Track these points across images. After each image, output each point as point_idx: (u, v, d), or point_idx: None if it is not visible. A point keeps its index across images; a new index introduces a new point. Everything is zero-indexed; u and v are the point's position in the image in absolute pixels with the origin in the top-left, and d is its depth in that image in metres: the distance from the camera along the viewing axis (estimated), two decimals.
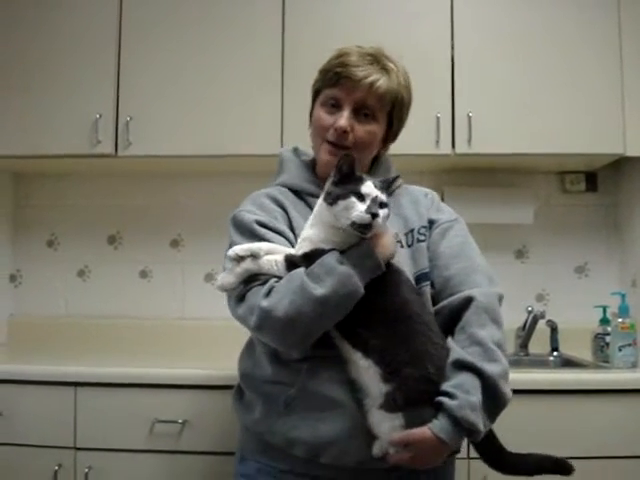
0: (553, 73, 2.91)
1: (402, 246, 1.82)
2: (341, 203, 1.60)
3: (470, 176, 3.24)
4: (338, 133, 1.81)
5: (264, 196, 1.88)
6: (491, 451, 1.66)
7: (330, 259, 1.61)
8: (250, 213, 1.80)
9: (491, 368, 1.61)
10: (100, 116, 2.95)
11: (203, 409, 2.42)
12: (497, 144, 2.90)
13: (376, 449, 1.62)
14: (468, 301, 1.71)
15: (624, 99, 2.89)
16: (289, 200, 1.87)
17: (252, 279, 1.67)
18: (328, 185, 1.68)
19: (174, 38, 3.01)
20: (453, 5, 2.95)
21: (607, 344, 2.72)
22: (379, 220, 1.60)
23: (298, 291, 1.59)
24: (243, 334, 3.20)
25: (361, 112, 1.83)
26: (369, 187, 1.61)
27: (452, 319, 1.73)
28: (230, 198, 3.36)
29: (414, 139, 2.83)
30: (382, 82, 1.81)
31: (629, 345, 2.56)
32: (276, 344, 1.68)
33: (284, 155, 2.02)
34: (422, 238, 1.86)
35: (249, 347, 1.91)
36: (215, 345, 3.15)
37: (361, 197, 1.60)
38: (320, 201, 1.70)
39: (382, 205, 1.62)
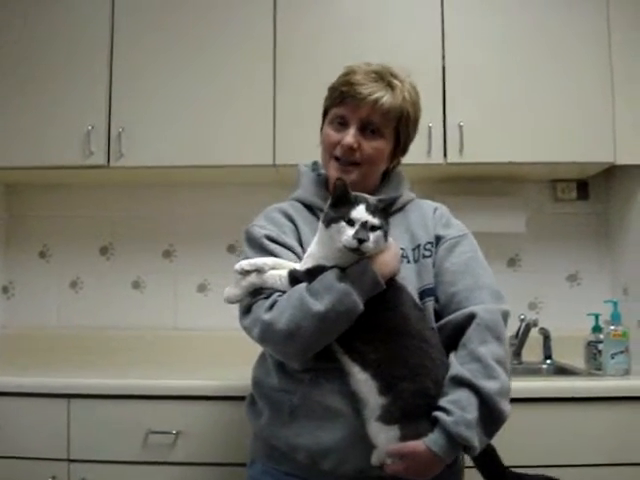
0: (544, 82, 2.93)
1: (408, 262, 1.84)
2: (334, 226, 1.66)
3: (462, 185, 3.25)
4: (345, 150, 1.85)
5: (276, 210, 1.93)
6: (492, 469, 1.72)
7: (330, 276, 1.66)
8: (260, 228, 1.86)
9: (489, 385, 1.62)
10: (92, 127, 2.95)
11: (197, 420, 2.41)
12: (489, 153, 2.92)
13: (374, 458, 1.66)
14: (470, 318, 1.73)
15: (615, 108, 2.91)
16: (300, 215, 1.91)
17: (258, 292, 1.73)
18: (325, 207, 1.72)
19: (166, 50, 3.01)
20: (444, 15, 2.96)
21: (599, 352, 2.73)
22: (368, 244, 1.63)
23: (298, 305, 1.64)
24: (236, 344, 3.20)
25: (367, 129, 1.86)
26: (360, 212, 1.64)
27: (455, 335, 1.75)
28: (222, 208, 3.41)
29: None
30: (386, 99, 1.84)
31: (621, 353, 2.56)
32: (278, 355, 1.75)
33: (301, 169, 2.06)
34: (427, 254, 1.87)
35: (262, 356, 1.96)
36: (208, 356, 3.15)
37: (351, 222, 1.64)
38: (320, 223, 1.74)
39: (373, 228, 1.64)
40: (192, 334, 3.32)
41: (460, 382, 1.63)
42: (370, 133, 1.86)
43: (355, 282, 1.64)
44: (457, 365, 1.67)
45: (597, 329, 2.81)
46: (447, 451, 1.58)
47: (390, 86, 1.86)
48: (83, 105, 2.99)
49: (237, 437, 2.39)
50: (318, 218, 1.86)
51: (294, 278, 1.71)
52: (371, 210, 1.65)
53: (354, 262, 1.68)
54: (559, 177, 3.32)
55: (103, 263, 3.45)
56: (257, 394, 1.90)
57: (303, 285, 1.68)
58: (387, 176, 2.01)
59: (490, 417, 1.62)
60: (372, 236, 1.64)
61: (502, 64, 2.95)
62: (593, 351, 2.78)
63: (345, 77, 1.88)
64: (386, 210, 1.70)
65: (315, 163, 2.06)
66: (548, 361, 3.03)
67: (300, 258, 1.79)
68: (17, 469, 2.43)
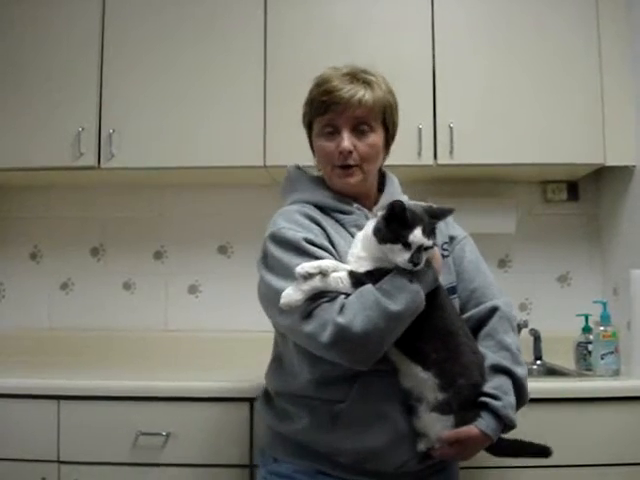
0: (534, 84, 2.93)
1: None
2: (389, 245, 1.66)
3: (452, 186, 3.26)
4: (344, 155, 1.86)
5: (297, 213, 1.89)
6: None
7: (400, 276, 1.67)
8: (293, 231, 1.80)
9: (519, 370, 1.81)
10: (83, 129, 2.95)
11: (187, 421, 2.41)
12: (479, 154, 2.92)
13: (422, 445, 1.76)
14: (493, 310, 1.90)
15: (604, 109, 2.92)
16: (321, 217, 1.90)
17: (317, 296, 1.69)
18: (378, 219, 1.71)
19: (156, 51, 3.02)
20: (434, 16, 2.96)
21: (589, 352, 2.73)
22: (421, 265, 1.67)
23: (374, 306, 1.64)
24: (226, 346, 3.21)
25: (358, 129, 1.88)
26: (417, 236, 1.64)
27: (477, 327, 1.90)
28: (213, 210, 3.41)
29: (396, 150, 2.82)
30: (368, 95, 1.87)
31: (611, 353, 2.57)
32: (346, 360, 1.69)
33: (294, 172, 2.05)
34: (446, 254, 1.95)
35: (276, 364, 1.96)
36: (199, 357, 3.16)
37: (407, 245, 1.64)
38: (369, 230, 1.73)
39: (426, 248, 1.67)
40: (183, 335, 3.31)
41: (498, 369, 1.79)
42: (362, 132, 1.88)
43: (421, 280, 1.69)
44: (492, 354, 1.81)
45: (587, 330, 2.82)
46: (496, 432, 1.74)
47: (367, 83, 1.89)
48: (73, 106, 2.99)
49: (227, 438, 2.39)
50: (333, 218, 1.90)
51: (357, 280, 1.70)
52: (427, 233, 1.66)
53: None
54: (549, 178, 3.33)
55: (94, 264, 3.44)
56: (281, 400, 1.90)
57: (370, 286, 1.67)
58: (386, 178, 2.06)
59: (520, 398, 1.80)
60: (424, 255, 1.67)
61: (492, 66, 2.95)
62: (583, 352, 2.79)
63: (321, 87, 1.89)
64: (435, 228, 1.72)
65: (299, 167, 2.05)
66: (538, 362, 3.03)
67: (336, 259, 1.78)
68: (7, 471, 2.42)
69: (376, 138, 1.91)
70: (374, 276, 1.69)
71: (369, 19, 2.99)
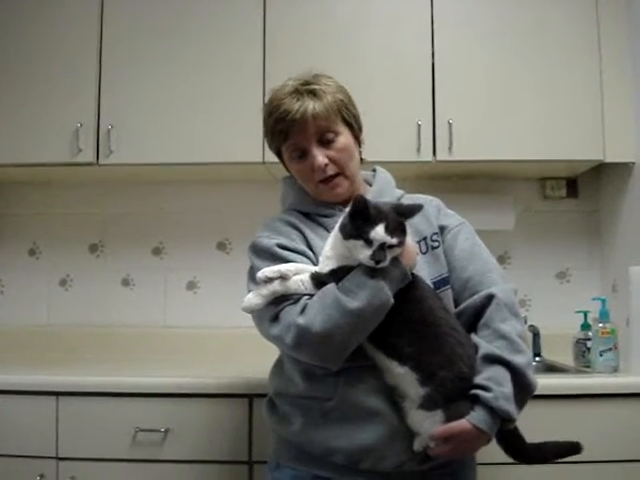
0: (534, 80, 2.93)
1: (417, 254, 1.86)
2: (351, 241, 1.66)
3: (451, 183, 3.26)
4: (321, 170, 1.85)
5: (277, 220, 1.93)
6: (513, 442, 1.77)
7: (360, 273, 1.67)
8: (268, 238, 1.85)
9: (518, 359, 1.71)
10: (81, 124, 2.94)
11: (185, 417, 2.41)
12: (478, 151, 2.92)
13: (417, 445, 1.71)
14: (489, 299, 1.81)
15: (604, 106, 2.92)
16: (302, 222, 1.91)
17: (282, 299, 1.72)
18: (344, 215, 1.72)
19: (155, 47, 3.01)
20: (433, 12, 2.96)
21: (588, 349, 2.74)
22: (384, 263, 1.65)
23: (333, 305, 1.65)
24: (225, 342, 3.21)
25: (324, 139, 1.87)
26: (378, 233, 1.63)
27: (474, 318, 1.83)
28: (212, 206, 3.41)
29: (395, 146, 2.86)
30: (318, 105, 1.84)
31: (610, 350, 2.57)
32: (314, 360, 1.72)
33: (285, 181, 2.06)
34: (436, 245, 1.92)
35: (278, 366, 1.96)
36: (198, 353, 3.16)
37: (369, 241, 1.63)
38: (337, 227, 1.74)
39: (391, 246, 1.65)
40: (181, 331, 3.32)
41: (492, 359, 1.71)
42: (329, 140, 1.87)
43: (386, 276, 1.67)
44: (485, 344, 1.74)
45: (586, 326, 2.83)
46: (491, 426, 1.66)
47: (312, 93, 1.86)
48: (72, 102, 2.99)
49: (226, 435, 2.39)
50: (318, 223, 1.91)
51: (318, 281, 1.71)
52: (390, 230, 1.65)
53: None
54: (548, 175, 3.33)
55: (93, 260, 3.44)
56: (281, 403, 1.89)
57: (332, 285, 1.68)
58: (375, 174, 2.04)
59: (522, 389, 1.71)
60: (389, 254, 1.65)
61: (491, 62, 2.95)
62: (582, 348, 2.79)
63: (273, 116, 1.88)
64: (404, 224, 1.70)
65: (290, 176, 2.05)
66: (537, 358, 3.03)
67: (313, 262, 1.80)
68: (5, 467, 2.42)
69: (344, 139, 1.89)
70: (337, 275, 1.70)
71: (368, 15, 2.99)
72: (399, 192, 2.02)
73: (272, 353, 1.96)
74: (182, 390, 2.42)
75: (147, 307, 3.39)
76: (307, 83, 1.88)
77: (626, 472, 2.36)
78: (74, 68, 3.00)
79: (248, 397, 2.39)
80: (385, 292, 1.65)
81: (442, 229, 1.96)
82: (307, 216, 1.93)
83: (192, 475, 2.39)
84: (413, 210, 1.73)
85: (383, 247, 1.64)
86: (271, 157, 2.87)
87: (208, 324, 3.30)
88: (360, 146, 1.98)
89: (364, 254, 1.63)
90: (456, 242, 1.94)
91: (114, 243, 3.44)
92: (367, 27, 2.97)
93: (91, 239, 3.45)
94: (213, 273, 3.38)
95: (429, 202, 2.01)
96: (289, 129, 1.85)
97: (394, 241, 1.65)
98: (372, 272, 1.66)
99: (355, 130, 1.95)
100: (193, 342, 3.25)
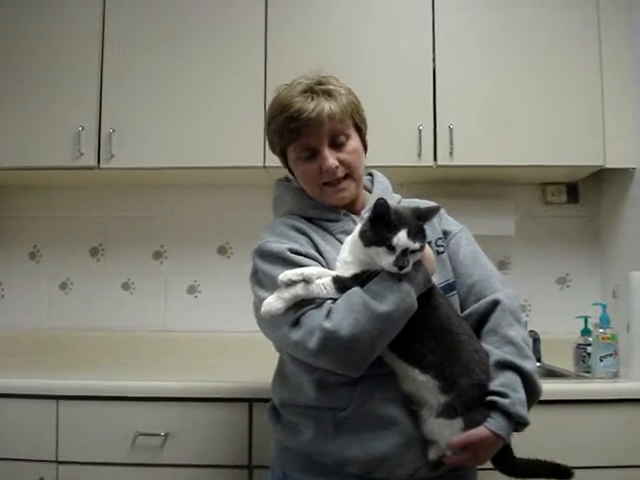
0: (534, 85, 2.94)
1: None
2: (373, 248, 1.63)
3: (452, 188, 3.26)
4: (330, 173, 1.83)
5: (281, 225, 1.88)
6: (504, 454, 1.75)
7: (387, 277, 1.64)
8: (277, 242, 1.79)
9: (526, 365, 1.73)
10: (82, 128, 2.95)
11: (185, 421, 2.41)
12: (478, 156, 2.93)
13: (433, 453, 1.70)
14: (494, 304, 1.82)
15: (604, 111, 2.92)
16: (308, 227, 1.88)
17: (303, 303, 1.67)
18: (364, 221, 1.69)
19: (156, 51, 3.02)
20: (435, 18, 2.96)
21: (588, 355, 2.73)
22: (408, 268, 1.63)
23: (362, 309, 1.61)
24: (225, 346, 3.20)
25: (336, 141, 1.85)
26: (401, 239, 1.61)
27: (479, 322, 1.83)
28: (213, 210, 3.41)
29: (396, 151, 2.86)
30: (334, 106, 1.82)
31: (610, 355, 2.57)
32: (335, 366, 1.67)
33: (281, 185, 2.03)
34: (441, 250, 1.91)
35: (280, 376, 1.92)
36: (197, 357, 3.16)
37: (391, 248, 1.61)
38: (356, 234, 1.70)
39: (413, 252, 1.64)
40: (181, 335, 3.32)
41: (504, 365, 1.72)
42: (339, 143, 1.85)
43: (412, 281, 1.65)
44: (496, 350, 1.75)
45: (586, 332, 2.82)
46: (508, 431, 1.67)
47: (327, 93, 1.84)
48: (73, 106, 2.99)
49: (226, 439, 2.39)
50: (322, 228, 1.88)
51: (341, 285, 1.67)
52: (412, 235, 1.63)
53: None
54: (549, 180, 3.33)
55: (93, 264, 3.44)
56: (288, 413, 1.86)
57: (358, 289, 1.65)
58: (374, 178, 2.04)
59: (531, 394, 1.73)
60: (411, 259, 1.64)
61: (493, 67, 2.96)
62: (582, 354, 2.79)
63: (284, 113, 1.84)
64: (424, 230, 1.69)
65: (287, 178, 2.04)
66: (537, 364, 3.00)
67: (325, 267, 1.76)
68: (5, 471, 2.42)
69: (354, 143, 1.88)
70: (361, 279, 1.66)
71: (369, 19, 2.99)
72: (397, 197, 2.01)
73: (272, 357, 1.96)
74: (182, 394, 2.42)
75: (147, 311, 3.39)
76: (321, 83, 1.86)
77: (626, 478, 2.36)
78: (76, 72, 3.01)
79: (248, 401, 2.39)
80: (412, 296, 1.64)
81: (446, 234, 1.95)
82: (310, 221, 1.90)
83: (192, 479, 2.39)
84: (432, 212, 1.73)
85: (405, 253, 1.62)
86: (272, 161, 2.87)
87: (208, 328, 3.30)
88: (366, 151, 1.97)
89: (387, 260, 1.61)
90: (459, 247, 1.94)
91: (115, 247, 3.44)
92: (369, 31, 2.98)
93: (92, 243, 3.45)
94: (214, 277, 3.38)
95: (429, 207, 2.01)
96: (301, 129, 1.82)
97: (417, 246, 1.63)
98: (399, 276, 1.64)
99: (363, 134, 1.95)
100: (193, 346, 3.24)
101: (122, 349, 3.27)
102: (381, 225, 1.63)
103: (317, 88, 1.84)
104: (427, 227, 1.86)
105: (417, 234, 1.64)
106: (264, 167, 2.90)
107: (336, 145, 1.85)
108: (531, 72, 2.94)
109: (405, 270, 1.62)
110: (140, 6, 3.04)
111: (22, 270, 3.46)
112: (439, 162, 2.91)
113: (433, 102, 2.93)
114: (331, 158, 1.82)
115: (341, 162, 1.84)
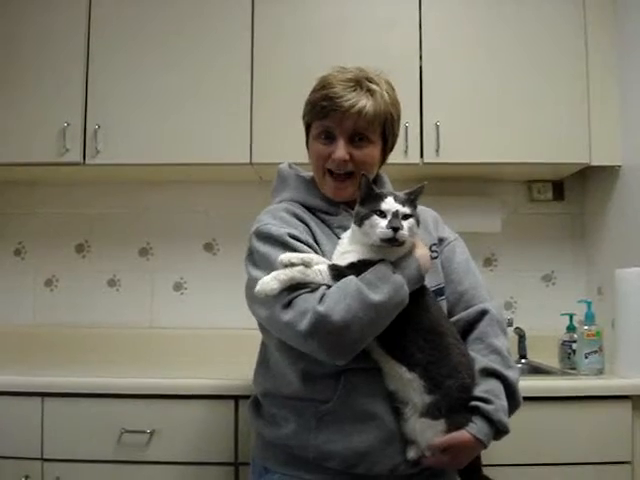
0: (520, 83, 2.94)
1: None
2: (366, 222, 1.68)
3: (438, 185, 3.25)
4: (338, 163, 1.84)
5: (281, 210, 1.88)
6: (474, 470, 1.79)
7: (383, 267, 1.67)
8: (277, 226, 1.80)
9: (510, 374, 1.78)
10: (68, 124, 2.93)
11: (171, 419, 2.40)
12: (465, 153, 2.93)
13: (412, 453, 1.72)
14: (482, 314, 1.87)
15: (590, 109, 2.93)
16: (307, 216, 1.88)
17: (297, 287, 1.67)
18: (356, 207, 1.74)
19: (143, 47, 3.00)
20: (421, 15, 2.97)
21: (574, 351, 2.75)
22: (403, 232, 1.66)
23: (355, 296, 1.62)
24: (211, 343, 3.20)
25: (355, 138, 1.85)
26: (389, 203, 1.67)
27: (465, 330, 1.87)
28: (199, 206, 3.40)
29: None
30: (369, 107, 1.82)
31: (595, 352, 2.58)
32: (324, 351, 1.65)
33: (285, 171, 2.03)
34: (435, 255, 1.93)
35: (263, 366, 1.93)
36: (184, 354, 3.15)
37: (382, 214, 1.66)
38: (353, 225, 1.75)
39: (405, 217, 1.68)
40: (168, 332, 3.30)
41: (488, 373, 1.75)
42: (359, 141, 1.85)
43: (405, 274, 1.68)
44: (482, 358, 1.79)
45: (571, 329, 2.84)
46: (489, 437, 1.70)
47: (370, 92, 1.84)
48: (58, 102, 2.97)
49: (212, 436, 2.39)
50: (320, 219, 1.89)
51: (337, 272, 1.68)
52: (400, 201, 1.69)
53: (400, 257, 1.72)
54: (535, 178, 3.34)
55: (79, 261, 3.43)
56: (269, 404, 1.86)
57: (353, 277, 1.66)
58: (378, 179, 2.02)
59: (512, 402, 1.76)
60: (405, 224, 1.67)
61: (479, 65, 2.96)
62: (567, 350, 2.80)
63: (323, 91, 1.85)
64: (413, 201, 1.74)
65: (290, 166, 2.04)
66: (523, 360, 3.04)
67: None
68: None
69: (372, 150, 1.88)
70: (356, 268, 1.68)
71: (356, 18, 2.99)
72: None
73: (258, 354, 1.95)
74: (168, 391, 2.41)
75: (133, 308, 3.37)
76: (370, 80, 1.87)
77: (611, 474, 2.37)
78: (61, 67, 2.99)
79: (234, 398, 2.39)
80: (404, 289, 1.66)
81: (441, 241, 1.98)
82: (310, 211, 1.90)
83: (178, 477, 2.38)
84: (417, 189, 1.76)
85: (397, 215, 1.66)
86: (259, 158, 2.90)
87: (195, 325, 3.29)
88: (382, 164, 1.99)
89: (381, 227, 1.65)
90: (454, 255, 1.97)
91: (100, 243, 3.42)
92: (355, 31, 2.97)
93: (77, 239, 3.43)
94: (200, 274, 3.37)
95: (426, 212, 2.03)
96: (330, 112, 1.83)
97: (407, 210, 1.68)
98: (394, 268, 1.67)
99: (387, 147, 1.95)
100: (179, 343, 3.24)
101: (108, 346, 3.26)
102: (369, 200, 1.69)
103: (364, 82, 1.85)
104: (423, 232, 1.90)
105: (405, 201, 1.70)
106: (250, 164, 2.90)
107: (354, 142, 1.85)
108: (517, 70, 2.95)
109: (401, 234, 1.65)
110: (126, 2, 3.03)
111: (7, 266, 3.44)
112: (425, 159, 2.92)
113: (420, 100, 2.93)
114: (343, 150, 1.83)
115: (352, 158, 1.84)
